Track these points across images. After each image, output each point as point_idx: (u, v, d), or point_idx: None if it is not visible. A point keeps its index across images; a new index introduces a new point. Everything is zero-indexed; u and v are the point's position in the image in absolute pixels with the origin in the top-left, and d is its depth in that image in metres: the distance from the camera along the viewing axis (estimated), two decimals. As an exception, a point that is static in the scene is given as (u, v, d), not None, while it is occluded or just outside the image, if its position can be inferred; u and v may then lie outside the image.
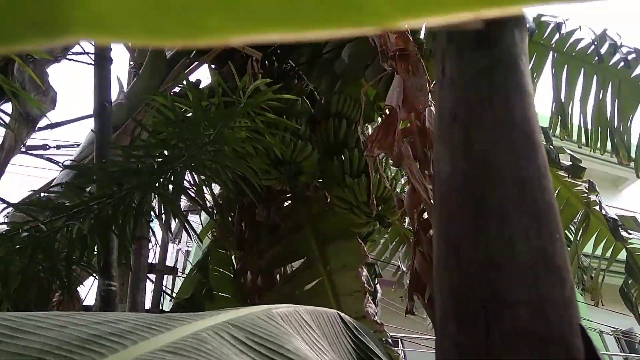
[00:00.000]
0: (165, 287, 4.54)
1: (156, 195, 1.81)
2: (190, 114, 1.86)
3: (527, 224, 0.46)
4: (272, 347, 0.86)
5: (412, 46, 2.20)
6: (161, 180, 1.73)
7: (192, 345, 0.77)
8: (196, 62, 3.40)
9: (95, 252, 1.93)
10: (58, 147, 3.99)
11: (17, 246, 1.53)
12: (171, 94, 2.62)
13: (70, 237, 1.61)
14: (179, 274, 4.65)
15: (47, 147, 3.98)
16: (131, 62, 4.05)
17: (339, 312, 1.33)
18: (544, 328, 0.40)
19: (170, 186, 1.84)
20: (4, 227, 1.80)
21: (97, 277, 2.30)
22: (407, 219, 4.75)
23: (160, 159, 1.69)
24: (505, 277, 0.43)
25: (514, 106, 0.56)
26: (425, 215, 1.75)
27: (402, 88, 1.97)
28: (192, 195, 1.87)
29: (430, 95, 1.99)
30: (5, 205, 1.66)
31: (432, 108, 2.03)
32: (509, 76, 0.59)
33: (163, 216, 1.97)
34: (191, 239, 6.22)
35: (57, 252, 1.71)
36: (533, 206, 0.47)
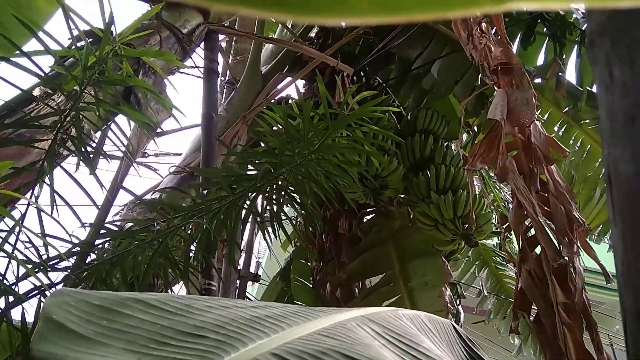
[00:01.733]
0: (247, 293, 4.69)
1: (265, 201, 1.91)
2: (296, 125, 1.95)
3: None
4: (409, 344, 0.89)
5: (516, 60, 2.18)
6: (270, 185, 1.83)
7: (342, 332, 0.82)
8: (289, 78, 3.54)
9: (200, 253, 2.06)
10: (156, 155, 4.28)
11: (142, 240, 1.67)
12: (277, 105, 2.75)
13: (190, 236, 1.73)
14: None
15: (147, 154, 4.28)
16: (222, 78, 4.29)
17: (452, 323, 1.33)
18: None
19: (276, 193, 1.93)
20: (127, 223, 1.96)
21: (198, 277, 2.43)
22: (492, 240, 4.63)
23: (271, 166, 1.79)
24: None
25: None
26: (532, 232, 1.72)
27: (507, 102, 1.96)
28: (298, 201, 1.95)
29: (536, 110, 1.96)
30: (134, 198, 1.82)
31: (537, 123, 2.00)
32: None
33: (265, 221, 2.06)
34: (269, 249, 6.39)
35: (173, 249, 1.84)
36: None
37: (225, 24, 3.12)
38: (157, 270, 2.03)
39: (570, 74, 3.75)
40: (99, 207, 1.89)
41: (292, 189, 2.03)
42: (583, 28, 3.39)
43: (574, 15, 3.49)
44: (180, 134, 5.16)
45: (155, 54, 1.83)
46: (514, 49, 3.72)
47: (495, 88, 2.32)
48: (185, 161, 2.94)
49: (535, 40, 3.64)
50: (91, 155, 1.77)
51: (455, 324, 1.38)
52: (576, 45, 3.57)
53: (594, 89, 3.67)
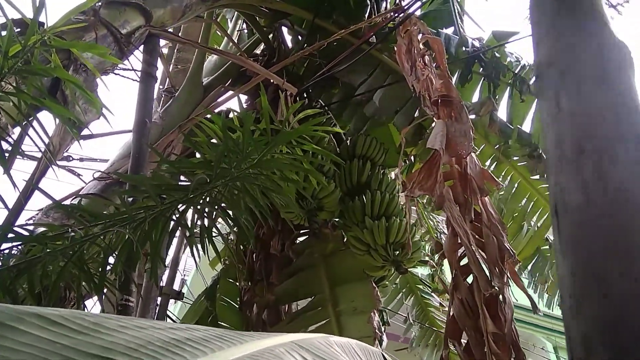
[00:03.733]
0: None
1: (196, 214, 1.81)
2: (235, 137, 1.88)
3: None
4: (340, 372, 0.84)
5: (456, 93, 2.25)
6: (203, 197, 1.74)
7: (268, 358, 0.75)
8: (231, 92, 3.46)
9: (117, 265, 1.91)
10: (81, 159, 4.02)
11: (55, 248, 1.52)
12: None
13: (108, 246, 1.60)
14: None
15: (71, 158, 4.01)
16: (161, 86, 4.14)
17: (383, 352, 1.30)
18: None
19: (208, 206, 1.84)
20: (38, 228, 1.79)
21: (115, 292, 2.26)
22: (417, 269, 4.71)
23: (206, 177, 1.70)
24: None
25: (644, 144, 0.57)
26: (465, 261, 1.74)
27: (446, 132, 2.00)
28: (231, 216, 1.86)
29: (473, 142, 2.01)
30: (51, 203, 1.66)
31: (474, 155, 2.05)
32: (635, 114, 0.61)
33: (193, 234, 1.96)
34: (197, 265, 6.16)
35: (90, 260, 1.69)
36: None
37: (169, 30, 3.01)
38: (69, 282, 1.86)
39: (502, 113, 3.95)
40: (9, 208, 1.71)
41: (226, 203, 1.95)
42: (516, 71, 3.58)
43: (509, 59, 3.69)
44: (109, 140, 4.91)
45: (87, 47, 1.70)
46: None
47: (435, 119, 2.38)
48: (112, 167, 2.77)
49: (472, 78, 3.80)
50: (6, 153, 1.60)
51: (385, 353, 1.35)
52: (509, 87, 3.76)
53: (524, 127, 3.88)
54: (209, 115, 3.54)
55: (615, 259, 0.48)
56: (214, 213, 1.88)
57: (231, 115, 3.61)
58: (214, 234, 1.94)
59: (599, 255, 0.50)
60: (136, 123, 2.39)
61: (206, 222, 1.84)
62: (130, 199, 1.81)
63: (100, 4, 2.40)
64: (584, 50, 0.72)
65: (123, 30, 2.44)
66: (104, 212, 1.76)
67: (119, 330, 0.71)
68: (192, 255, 1.98)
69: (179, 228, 1.86)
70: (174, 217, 1.71)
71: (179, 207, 1.74)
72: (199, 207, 1.77)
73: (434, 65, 2.72)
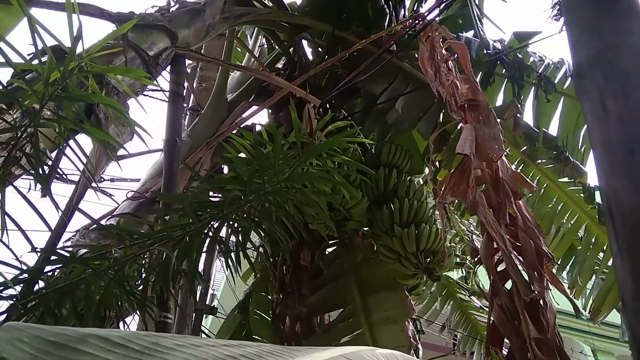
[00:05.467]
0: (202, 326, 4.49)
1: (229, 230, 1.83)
2: (265, 152, 1.91)
3: None
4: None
5: (483, 97, 2.23)
6: (237, 213, 1.76)
7: (322, 372, 0.76)
8: (255, 107, 3.51)
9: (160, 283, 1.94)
10: (112, 180, 4.11)
11: (96, 268, 1.55)
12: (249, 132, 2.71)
13: (150, 264, 1.63)
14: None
15: (102, 179, 4.10)
16: (185, 105, 4.22)
17: None
18: None
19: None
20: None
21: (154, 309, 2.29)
22: (453, 274, 4.66)
23: (240, 193, 1.73)
24: None
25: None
26: (502, 266, 1.72)
27: (474, 137, 1.98)
28: (264, 229, 1.88)
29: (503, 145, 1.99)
30: (87, 224, 1.70)
31: (504, 158, 2.03)
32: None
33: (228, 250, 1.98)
34: (227, 279, 6.21)
35: (131, 278, 1.73)
36: None
37: (192, 49, 3.08)
38: (111, 301, 1.90)
39: (528, 114, 3.90)
40: (52, 230, 1.77)
41: (259, 218, 1.97)
42: (540, 71, 3.54)
43: (532, 59, 3.65)
44: (138, 160, 5.00)
45: (122, 71, 1.76)
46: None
47: (462, 124, 2.36)
48: (144, 187, 2.82)
49: (494, 81, 3.77)
50: (46, 175, 1.65)
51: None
52: (533, 87, 3.72)
53: (550, 131, 3.83)
54: (235, 131, 3.59)
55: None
56: (248, 228, 1.90)
57: (258, 128, 3.66)
58: (248, 248, 1.96)
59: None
60: (166, 142, 2.44)
61: (240, 236, 1.86)
62: (167, 218, 1.85)
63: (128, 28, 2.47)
64: (625, 49, 0.71)
65: (150, 52, 2.50)
66: (142, 231, 1.79)
67: (176, 349, 0.72)
68: (227, 269, 2.00)
69: (215, 244, 1.89)
70: (209, 234, 1.74)
71: (213, 223, 1.77)
72: (233, 222, 1.79)
73: (457, 70, 2.71)
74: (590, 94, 0.72)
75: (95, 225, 2.30)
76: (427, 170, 4.20)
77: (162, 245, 1.55)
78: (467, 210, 1.93)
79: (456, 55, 2.63)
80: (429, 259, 3.33)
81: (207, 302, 6.49)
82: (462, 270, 4.56)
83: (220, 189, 1.82)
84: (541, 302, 1.62)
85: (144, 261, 1.66)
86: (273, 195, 1.76)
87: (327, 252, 4.01)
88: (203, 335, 3.89)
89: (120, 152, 2.88)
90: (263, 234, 2.07)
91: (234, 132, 3.50)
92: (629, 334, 0.50)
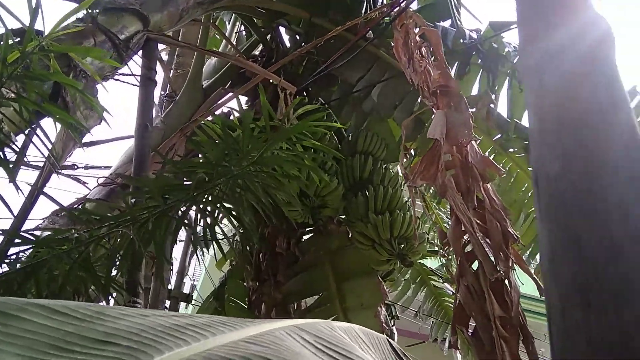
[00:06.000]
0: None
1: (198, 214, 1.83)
2: (235, 136, 1.90)
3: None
4: (341, 352, 0.86)
5: (454, 83, 2.26)
6: (205, 196, 1.76)
7: (270, 340, 0.77)
8: (231, 93, 3.49)
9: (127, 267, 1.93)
10: (86, 167, 4.06)
11: (61, 251, 1.54)
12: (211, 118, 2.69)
13: (113, 247, 1.62)
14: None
15: (76, 167, 4.04)
16: (162, 92, 4.18)
17: (387, 338, 1.31)
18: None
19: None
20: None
21: (117, 294, 2.28)
22: (427, 260, 4.71)
23: (207, 176, 1.72)
24: (634, 265, 0.44)
25: (621, 114, 0.58)
26: (469, 248, 1.75)
27: (445, 122, 2.01)
28: (234, 214, 1.88)
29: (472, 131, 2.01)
30: (58, 208, 1.69)
31: (474, 143, 2.06)
32: (616, 88, 0.62)
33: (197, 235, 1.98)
34: (205, 269, 6.22)
35: (96, 262, 1.72)
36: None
37: (165, 34, 3.04)
38: (77, 286, 1.88)
39: (503, 103, 3.94)
40: (15, 215, 1.74)
41: (228, 202, 1.97)
42: (514, 61, 3.58)
43: (507, 49, 3.69)
44: (111, 146, 4.93)
45: (85, 51, 1.73)
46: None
47: (434, 110, 2.39)
48: (115, 173, 2.80)
49: (470, 70, 3.81)
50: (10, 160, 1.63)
51: (391, 340, 1.36)
52: (508, 77, 3.76)
53: (522, 122, 3.88)
54: (210, 117, 3.57)
55: (591, 223, 0.49)
56: (217, 212, 1.90)
57: (232, 115, 3.64)
58: (219, 236, 1.96)
59: (576, 220, 0.51)
60: (137, 127, 2.41)
61: (209, 221, 1.86)
62: (134, 201, 1.84)
63: (97, 10, 2.43)
64: (565, 27, 0.73)
65: (121, 36, 2.46)
66: (108, 214, 1.78)
67: (121, 318, 0.73)
68: (196, 255, 2.00)
69: (183, 228, 1.88)
70: (176, 217, 1.73)
71: (181, 206, 1.76)
72: (201, 206, 1.79)
73: (431, 57, 2.73)
74: (530, 69, 0.74)
75: (63, 212, 2.27)
76: (404, 159, 4.23)
77: (126, 228, 1.54)
78: (437, 193, 1.96)
79: (429, 42, 2.65)
80: (402, 245, 3.37)
81: (187, 292, 6.45)
82: (440, 259, 4.61)
83: (189, 174, 1.81)
84: (506, 282, 1.66)
85: (109, 245, 1.65)
86: (241, 178, 1.76)
87: (303, 240, 4.03)
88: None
89: (93, 138, 2.85)
90: (234, 220, 2.07)
91: (210, 118, 3.49)
92: (545, 294, 0.52)
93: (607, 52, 0.68)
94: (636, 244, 0.46)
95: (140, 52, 2.71)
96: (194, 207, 1.89)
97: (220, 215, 1.83)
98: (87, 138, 2.66)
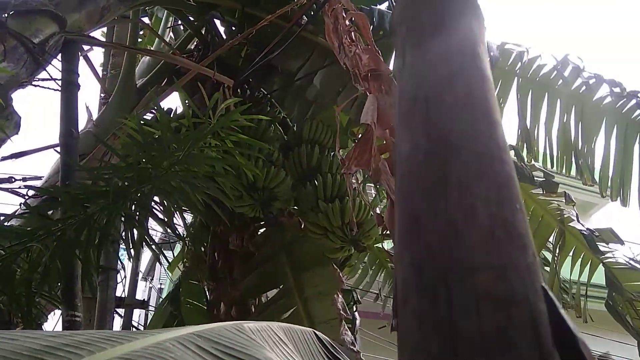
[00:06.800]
0: (138, 323, 4.38)
1: (124, 221, 1.76)
2: (158, 137, 1.84)
3: (487, 193, 0.46)
4: (239, 357, 0.83)
5: (384, 66, 2.24)
6: (128, 203, 1.69)
7: (152, 353, 0.73)
8: (166, 90, 3.39)
9: (58, 281, 1.85)
10: (24, 179, 3.88)
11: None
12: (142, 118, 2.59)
13: (31, 262, 1.54)
14: (150, 308, 4.51)
15: (13, 179, 3.86)
16: (102, 94, 4.03)
17: (314, 331, 1.29)
18: (506, 291, 0.39)
19: (137, 209, 1.80)
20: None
21: (60, 307, 2.20)
22: (384, 244, 4.75)
23: (127, 181, 1.66)
24: (466, 244, 0.42)
25: (473, 87, 0.56)
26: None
27: (376, 106, 1.99)
28: (162, 218, 1.82)
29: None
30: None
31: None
32: (468, 60, 0.60)
33: (130, 242, 1.91)
34: (167, 273, 6.09)
35: (20, 280, 1.64)
36: (493, 177, 0.47)
37: (89, 35, 2.92)
38: (6, 306, 1.79)
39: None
40: None
41: (158, 205, 1.90)
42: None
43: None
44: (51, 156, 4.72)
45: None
46: (392, 60, 3.88)
47: (367, 94, 2.37)
48: (47, 184, 2.68)
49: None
50: None
51: (318, 333, 1.34)
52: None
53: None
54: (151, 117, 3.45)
55: (431, 201, 0.47)
56: (146, 216, 1.83)
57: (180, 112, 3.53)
58: (173, 239, 1.90)
59: (418, 199, 0.49)
60: (62, 134, 2.31)
61: (137, 226, 1.79)
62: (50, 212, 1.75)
63: (6, 15, 2.30)
64: (425, 2, 0.71)
65: (35, 40, 2.34)
66: (28, 229, 1.69)
67: (-19, 346, 0.67)
68: (120, 262, 1.93)
69: (110, 237, 1.81)
70: (97, 225, 1.66)
71: (104, 214, 1.69)
72: (126, 212, 1.72)
73: (361, 41, 2.71)
74: (397, 48, 0.72)
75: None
76: (352, 144, 4.23)
77: (39, 242, 1.46)
78: (371, 179, 1.94)
79: (358, 26, 2.63)
80: (354, 231, 3.36)
81: (154, 298, 6.28)
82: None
83: (108, 180, 1.74)
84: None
85: (26, 260, 1.57)
86: (164, 179, 1.70)
87: (257, 235, 3.98)
88: (133, 330, 3.79)
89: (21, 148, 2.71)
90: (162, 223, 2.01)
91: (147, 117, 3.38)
92: (395, 262, 0.50)
93: (468, 27, 0.66)
94: (470, 224, 0.44)
95: (60, 56, 2.59)
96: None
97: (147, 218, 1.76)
98: (18, 148, 2.56)
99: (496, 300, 0.38)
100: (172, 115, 1.98)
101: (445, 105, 0.54)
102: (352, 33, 2.67)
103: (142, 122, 1.73)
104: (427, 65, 0.60)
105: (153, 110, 3.43)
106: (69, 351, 0.71)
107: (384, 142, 2.22)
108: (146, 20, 4.34)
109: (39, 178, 3.84)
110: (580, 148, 3.72)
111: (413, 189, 0.50)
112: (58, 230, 1.53)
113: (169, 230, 2.76)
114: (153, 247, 2.01)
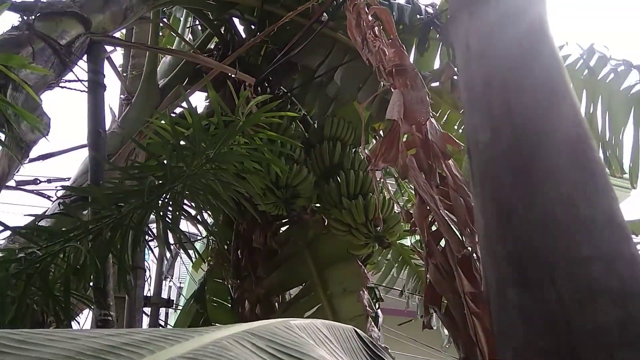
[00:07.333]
0: (161, 321, 4.42)
1: (158, 220, 1.76)
2: (188, 135, 1.83)
3: (583, 181, 0.44)
4: (295, 355, 0.81)
5: (409, 61, 2.22)
6: (161, 200, 1.69)
7: (213, 351, 0.72)
8: (188, 89, 3.39)
9: (91, 281, 1.86)
10: (49, 180, 3.93)
11: (13, 271, 1.47)
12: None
13: (68, 263, 1.55)
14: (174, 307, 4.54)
15: (39, 181, 3.91)
16: (122, 95, 4.05)
17: (354, 328, 1.28)
18: (618, 284, 0.37)
19: (170, 207, 1.80)
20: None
21: (92, 307, 2.21)
22: (406, 240, 4.71)
23: (160, 179, 1.66)
24: (570, 235, 0.40)
25: (551, 71, 0.54)
26: (435, 227, 1.72)
27: (402, 102, 1.97)
28: (193, 215, 1.82)
29: (430, 108, 1.98)
30: (2, 229, 1.60)
31: (433, 120, 2.03)
32: (541, 44, 0.58)
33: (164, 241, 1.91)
34: (187, 271, 6.12)
35: (54, 280, 1.65)
36: (587, 164, 0.45)
37: (116, 36, 2.94)
38: (40, 306, 1.81)
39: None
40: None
41: (192, 202, 1.91)
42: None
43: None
44: (76, 156, 4.78)
45: (5, 60, 1.63)
46: (411, 55, 3.84)
47: (392, 89, 2.34)
48: (75, 184, 2.70)
49: (429, 46, 3.78)
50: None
51: (358, 330, 1.33)
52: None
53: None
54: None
55: (520, 192, 0.45)
56: (177, 214, 1.83)
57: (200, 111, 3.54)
58: (195, 238, 1.90)
59: (506, 189, 0.47)
60: (89, 134, 2.32)
61: (169, 225, 1.79)
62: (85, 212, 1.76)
63: (33, 17, 2.31)
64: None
65: (62, 41, 2.35)
66: (62, 229, 1.70)
67: (45, 345, 0.67)
68: (175, 258, 1.94)
69: (143, 235, 1.81)
70: (133, 224, 1.66)
71: (137, 213, 1.69)
72: (159, 211, 1.72)
73: (384, 36, 2.68)
74: (458, 36, 0.70)
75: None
76: (373, 140, 4.20)
77: (78, 242, 1.47)
78: (399, 175, 1.92)
79: (381, 21, 2.60)
80: (378, 228, 3.34)
81: (175, 297, 6.35)
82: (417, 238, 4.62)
83: (142, 179, 1.74)
84: (474, 256, 1.63)
85: (63, 260, 1.58)
86: (196, 177, 1.69)
87: (280, 233, 3.98)
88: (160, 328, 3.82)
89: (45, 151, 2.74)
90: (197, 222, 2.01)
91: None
92: (482, 270, 0.48)
93: (538, 13, 0.64)
94: (571, 214, 0.42)
95: (85, 57, 2.60)
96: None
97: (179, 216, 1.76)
98: (44, 150, 2.57)
99: (610, 293, 0.36)
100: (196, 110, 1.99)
101: (525, 90, 0.52)
102: (375, 28, 2.64)
103: (172, 119, 1.73)
104: (500, 51, 0.58)
105: (175, 112, 3.44)
106: (131, 350, 0.70)
107: (411, 137, 2.20)
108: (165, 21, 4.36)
109: (64, 179, 3.88)
110: (607, 139, 3.65)
111: (501, 180, 0.48)
112: (95, 229, 1.53)
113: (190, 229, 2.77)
114: (185, 245, 2.01)
